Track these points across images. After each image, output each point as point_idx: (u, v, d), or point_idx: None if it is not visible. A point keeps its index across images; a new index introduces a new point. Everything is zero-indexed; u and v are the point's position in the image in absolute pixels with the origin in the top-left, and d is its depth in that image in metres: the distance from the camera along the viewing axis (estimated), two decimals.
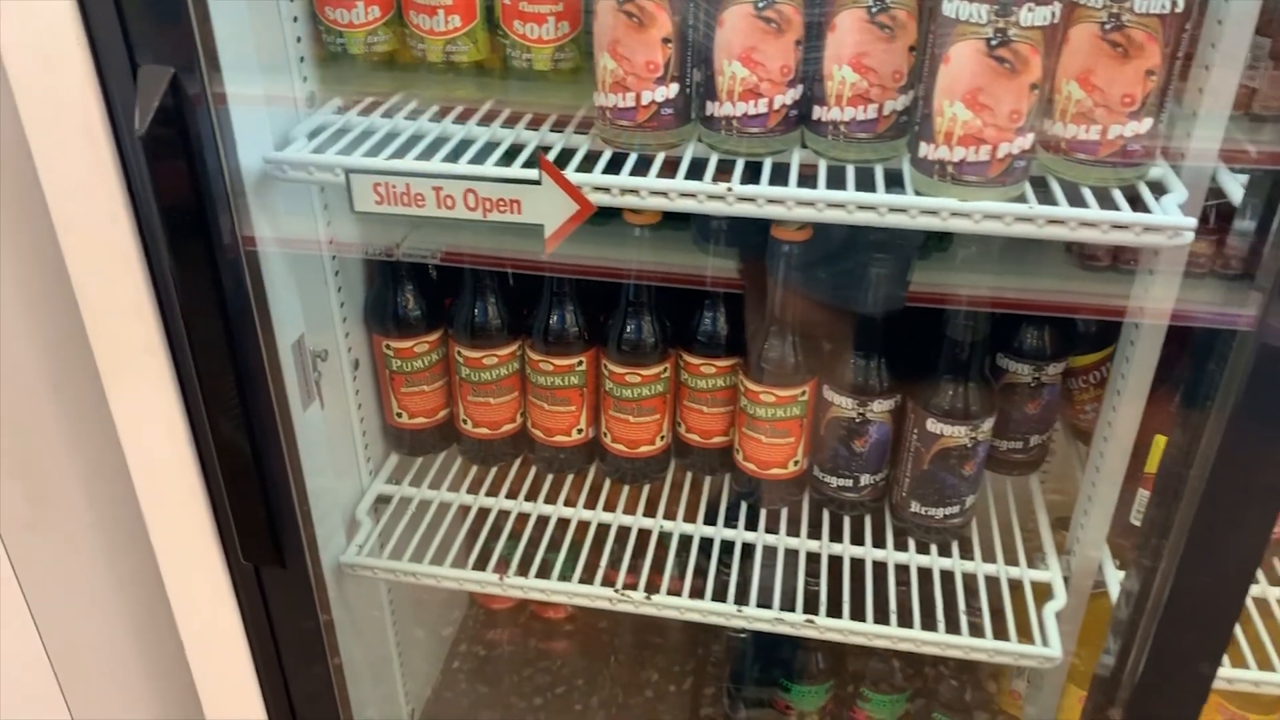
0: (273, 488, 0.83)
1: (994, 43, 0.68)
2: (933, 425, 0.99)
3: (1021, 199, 0.75)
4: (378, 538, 1.07)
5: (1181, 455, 0.74)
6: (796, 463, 1.07)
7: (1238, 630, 0.92)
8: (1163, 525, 0.76)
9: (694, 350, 1.06)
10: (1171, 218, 0.70)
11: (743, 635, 1.22)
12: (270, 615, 0.90)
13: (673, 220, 1.01)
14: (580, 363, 1.07)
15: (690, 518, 1.10)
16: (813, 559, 1.04)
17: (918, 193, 0.76)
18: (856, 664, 1.28)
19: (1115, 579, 1.01)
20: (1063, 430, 1.16)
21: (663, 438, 1.11)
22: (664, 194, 0.77)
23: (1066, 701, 1.24)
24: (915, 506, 1.04)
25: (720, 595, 0.99)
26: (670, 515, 1.10)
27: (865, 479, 1.06)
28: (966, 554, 1.04)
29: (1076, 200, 0.74)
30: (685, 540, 1.07)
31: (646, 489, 1.13)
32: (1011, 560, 1.04)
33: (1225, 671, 0.88)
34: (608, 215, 0.97)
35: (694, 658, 1.33)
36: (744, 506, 1.11)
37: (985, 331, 0.96)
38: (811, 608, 0.98)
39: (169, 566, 0.86)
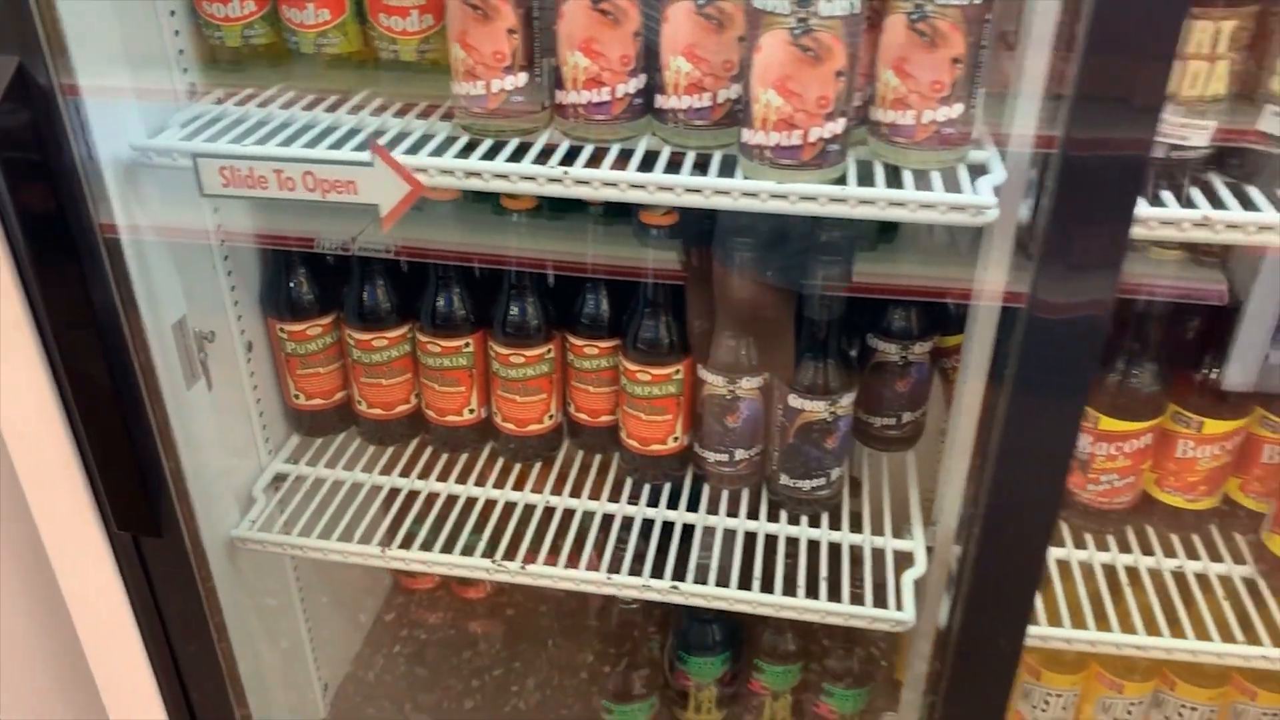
0: (147, 460, 0.87)
1: (797, 32, 0.72)
2: (794, 400, 1.03)
3: (841, 181, 0.79)
4: (281, 515, 1.11)
5: (985, 425, 0.78)
6: (676, 439, 1.12)
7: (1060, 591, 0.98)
8: (974, 492, 0.81)
9: (578, 332, 1.10)
10: (971, 196, 0.75)
11: (633, 606, 1.26)
12: (153, 586, 0.94)
13: (553, 206, 1.06)
14: (467, 344, 1.11)
15: (582, 494, 1.14)
16: (696, 531, 1.09)
17: (746, 177, 0.80)
18: (753, 636, 1.32)
19: None
20: (945, 407, 1.20)
21: (551, 417, 1.15)
22: (505, 176, 0.81)
23: None
24: (785, 479, 1.08)
25: (606, 567, 1.04)
26: (560, 491, 1.14)
27: (740, 454, 1.10)
28: (836, 525, 1.09)
29: (923, 185, 0.78)
30: (578, 515, 1.11)
31: (542, 466, 1.17)
32: (882, 531, 1.08)
33: (1039, 630, 0.93)
34: (483, 200, 1.02)
35: (596, 633, 1.37)
36: (629, 483, 1.15)
37: (841, 312, 1.01)
38: (680, 576, 1.02)
39: (49, 534, 0.90)
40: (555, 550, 1.06)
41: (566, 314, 1.10)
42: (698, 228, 1.01)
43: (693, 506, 1.12)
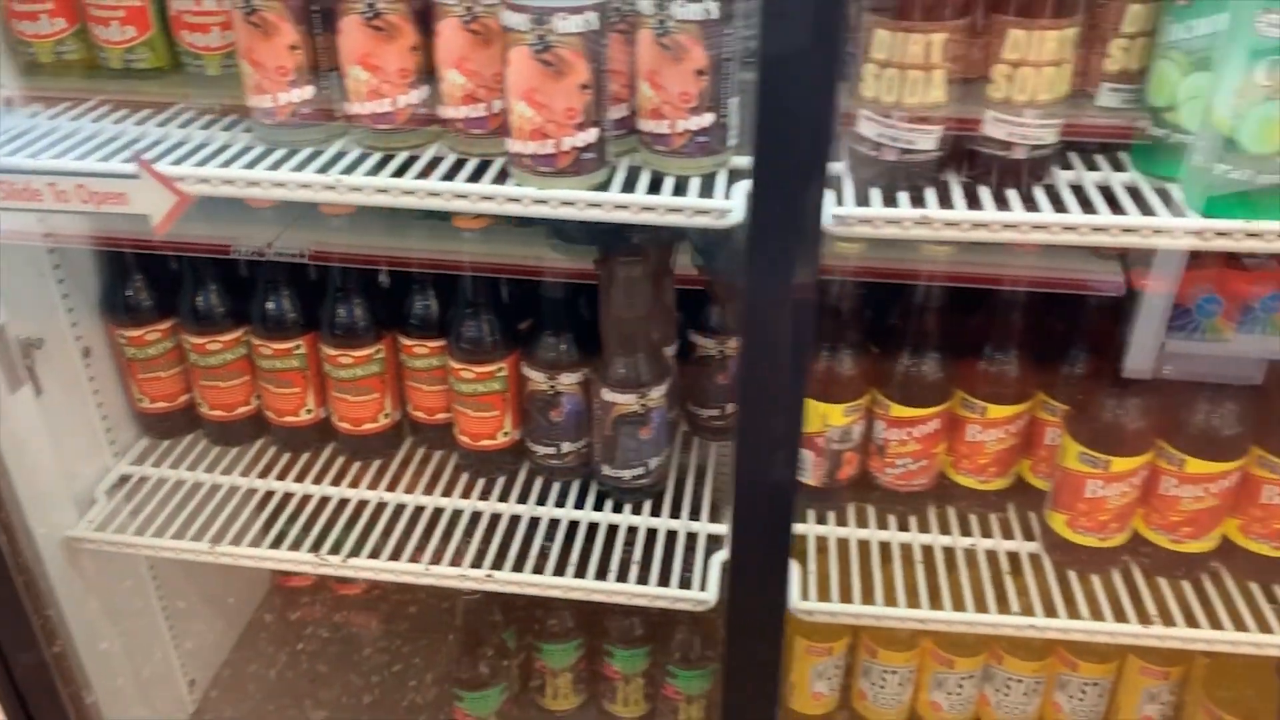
0: None
1: (538, 48, 0.77)
2: (607, 394, 1.08)
3: (604, 186, 0.84)
4: (122, 515, 1.14)
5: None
6: (506, 434, 1.16)
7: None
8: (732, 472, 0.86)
9: (408, 332, 1.14)
10: (712, 201, 0.80)
11: (475, 596, 1.31)
12: None
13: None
14: (299, 346, 1.15)
15: (416, 490, 1.18)
16: (533, 522, 1.13)
17: (516, 184, 0.85)
18: (605, 623, 1.37)
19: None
20: None
21: (386, 415, 1.19)
22: (283, 184, 0.85)
23: (795, 651, 1.35)
24: (606, 469, 1.13)
25: (428, 559, 1.08)
26: (395, 488, 1.18)
27: (566, 446, 1.15)
28: (657, 511, 1.14)
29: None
30: (409, 510, 1.15)
31: (382, 464, 1.21)
32: (699, 516, 1.13)
33: (806, 605, 0.99)
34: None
35: (458, 625, 1.41)
36: (464, 477, 1.19)
37: (647, 309, 1.06)
38: (499, 565, 1.07)
39: None
40: (392, 545, 1.10)
41: (397, 314, 1.14)
42: (509, 230, 1.06)
43: (524, 499, 1.16)
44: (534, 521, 1.13)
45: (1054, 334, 1.05)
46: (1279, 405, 0.97)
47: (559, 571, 1.06)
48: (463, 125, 0.88)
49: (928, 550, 1.10)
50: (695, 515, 1.13)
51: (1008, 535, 1.11)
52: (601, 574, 1.06)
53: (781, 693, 0.96)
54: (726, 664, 0.93)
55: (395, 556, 1.08)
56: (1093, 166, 0.88)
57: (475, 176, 0.86)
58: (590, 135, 0.81)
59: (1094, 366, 1.00)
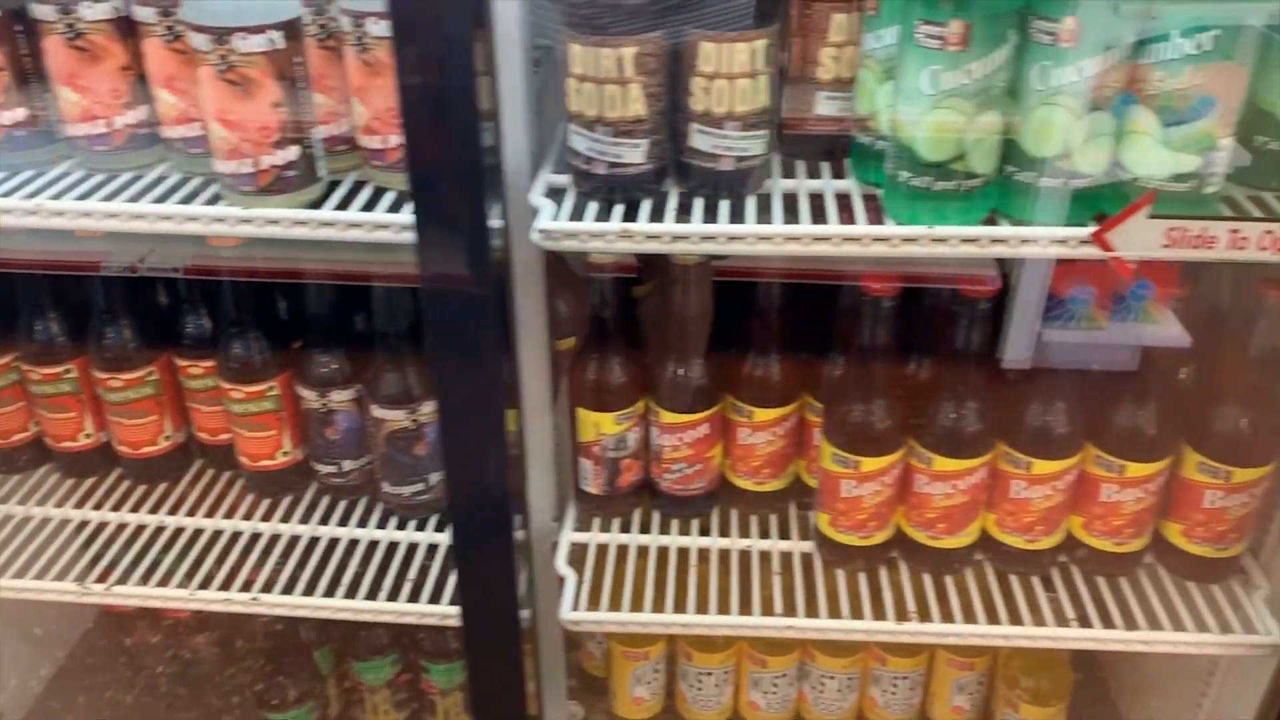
0: None
1: (221, 69, 0.76)
2: (377, 411, 1.07)
3: (317, 204, 0.83)
4: None
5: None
6: (286, 454, 1.15)
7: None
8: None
9: (182, 353, 1.12)
10: (387, 215, 0.80)
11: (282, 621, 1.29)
12: None
13: None
14: (69, 370, 1.12)
15: (198, 513, 1.16)
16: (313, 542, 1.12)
17: (227, 204, 0.84)
18: (421, 638, 1.36)
19: (568, 539, 1.11)
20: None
21: (167, 438, 1.17)
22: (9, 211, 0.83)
23: (613, 656, 1.36)
24: (387, 487, 1.12)
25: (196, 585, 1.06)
26: (177, 511, 1.16)
27: (348, 464, 1.14)
28: (442, 528, 1.13)
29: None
30: (187, 533, 1.13)
31: (168, 487, 1.19)
32: None
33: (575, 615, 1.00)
34: None
35: (272, 647, 1.39)
36: (250, 498, 1.17)
37: (411, 322, 1.05)
38: (269, 587, 1.06)
39: None
40: (164, 570, 1.08)
41: (170, 334, 1.12)
42: (275, 244, 1.04)
43: (307, 519, 1.15)
44: (314, 542, 1.12)
45: (816, 336, 1.06)
46: (1022, 403, 0.99)
47: (329, 593, 1.05)
48: (182, 145, 0.87)
49: (704, 554, 1.11)
50: None
51: (785, 536, 1.12)
52: (373, 594, 1.05)
53: (527, 705, 0.96)
54: (469, 679, 0.93)
55: (164, 582, 1.06)
56: (815, 174, 0.90)
57: (193, 197, 0.85)
58: (290, 153, 0.81)
59: (847, 368, 1.02)
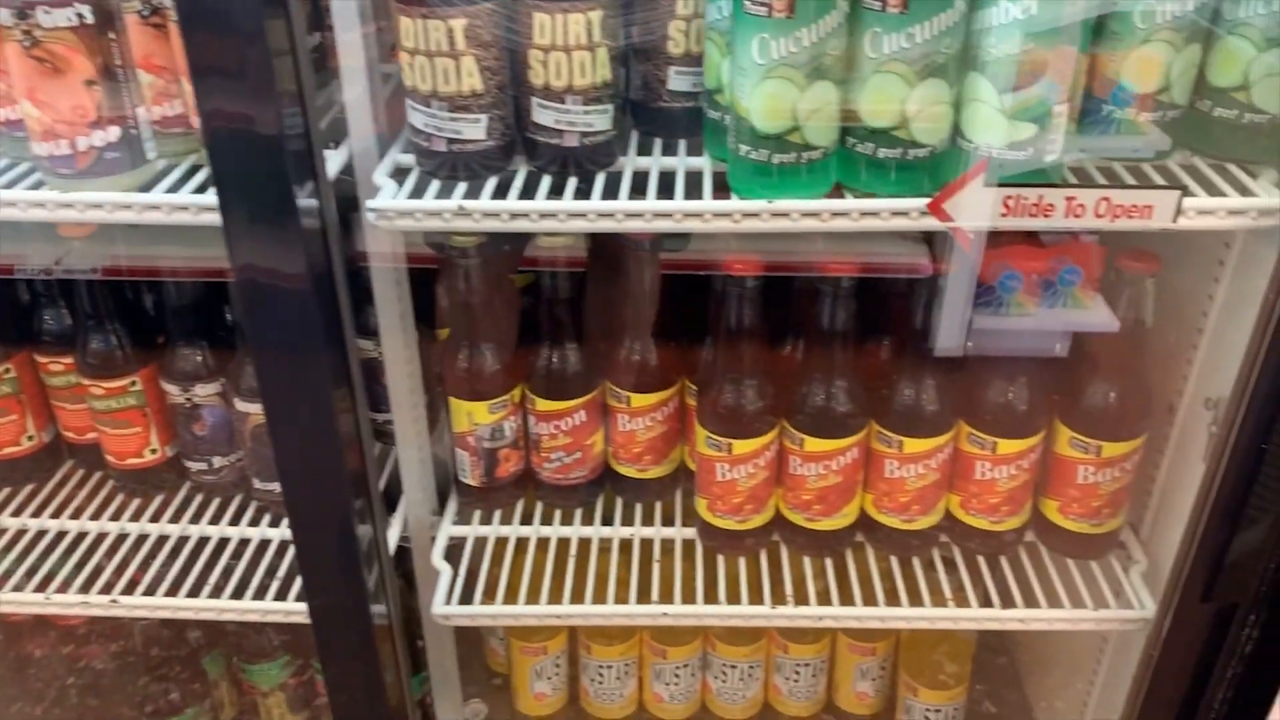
0: None
1: (27, 44, 0.73)
2: (241, 404, 1.04)
3: (148, 187, 0.80)
4: None
5: None
6: (155, 451, 1.11)
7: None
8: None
9: (41, 349, 1.08)
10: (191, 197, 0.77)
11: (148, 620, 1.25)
12: None
13: None
14: None
15: (63, 514, 1.12)
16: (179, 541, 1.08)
17: (54, 188, 0.80)
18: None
19: (446, 533, 1.09)
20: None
21: (31, 437, 1.13)
22: None
23: (512, 652, 1.33)
24: (257, 483, 1.09)
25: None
26: (41, 514, 1.12)
27: (219, 461, 1.11)
28: None
29: None
30: (51, 535, 1.09)
31: (34, 488, 1.15)
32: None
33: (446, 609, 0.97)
34: None
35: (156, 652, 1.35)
36: (120, 498, 1.14)
37: None
38: (131, 588, 1.02)
39: None
40: (20, 574, 1.04)
41: (29, 330, 1.08)
42: (117, 235, 1.00)
43: (177, 518, 1.11)
44: (182, 541, 1.08)
45: (694, 320, 1.04)
46: (892, 383, 0.98)
47: (194, 593, 1.02)
48: (6, 128, 0.83)
49: (587, 544, 1.09)
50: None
51: (669, 523, 1.10)
52: (239, 593, 1.02)
53: (389, 703, 0.93)
54: (325, 679, 0.91)
55: (19, 587, 1.02)
56: (672, 152, 0.88)
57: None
58: (111, 135, 0.77)
59: (718, 351, 1.00)
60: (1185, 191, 0.73)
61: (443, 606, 1.00)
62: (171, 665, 1.25)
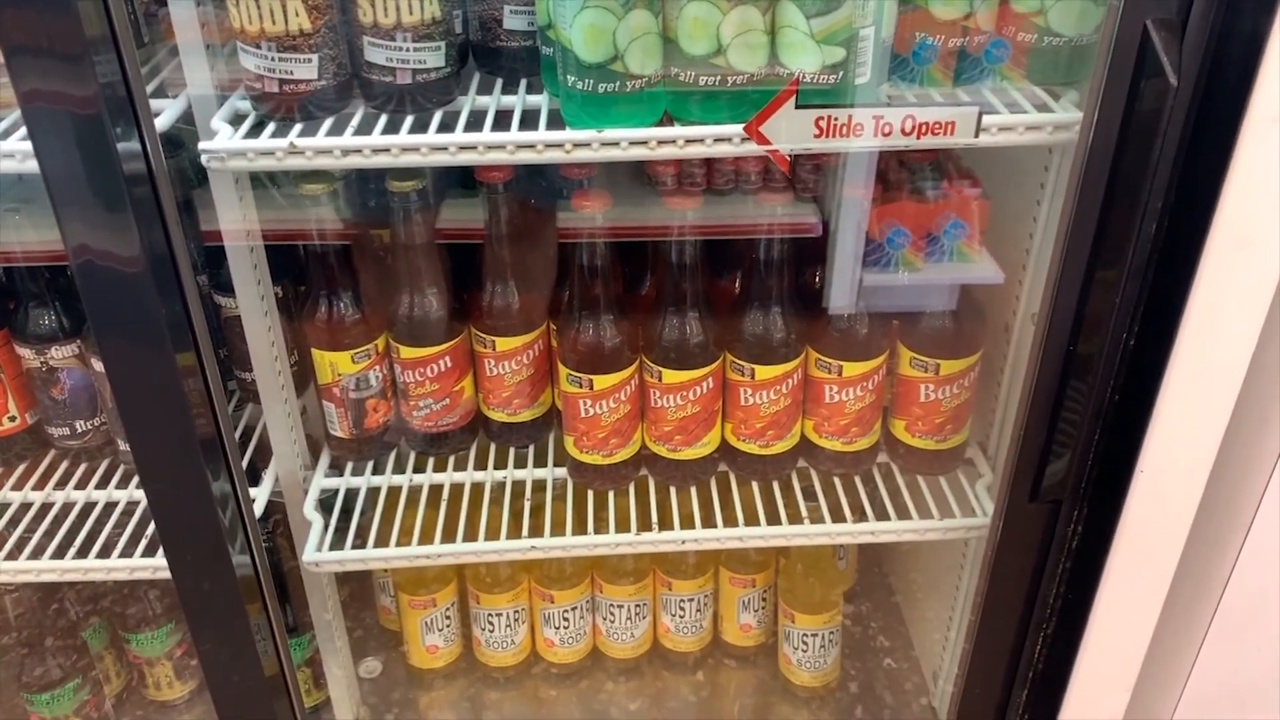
0: None
1: None
2: (98, 364, 1.03)
3: None
4: None
5: None
6: (14, 418, 1.09)
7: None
8: None
9: None
10: None
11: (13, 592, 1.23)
12: None
13: None
14: None
15: None
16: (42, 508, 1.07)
17: None
18: None
19: (318, 485, 1.09)
20: None
21: None
22: None
23: (401, 607, 1.35)
24: (121, 444, 1.08)
25: None
26: None
27: (81, 425, 1.09)
28: None
29: None
30: None
31: None
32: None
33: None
34: None
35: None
36: None
37: None
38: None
39: None
40: None
41: None
42: None
43: (42, 484, 1.10)
44: (46, 508, 1.07)
45: (556, 261, 1.07)
46: (743, 313, 1.01)
47: (58, 555, 1.01)
48: None
49: (459, 490, 1.10)
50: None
51: (541, 464, 1.13)
52: (105, 554, 1.01)
53: (261, 659, 0.94)
54: (194, 638, 0.91)
55: None
56: (513, 90, 0.89)
57: None
58: None
59: (579, 289, 1.02)
60: (984, 109, 0.77)
61: (314, 553, 1.01)
62: (49, 640, 1.23)
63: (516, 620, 1.36)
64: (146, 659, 1.32)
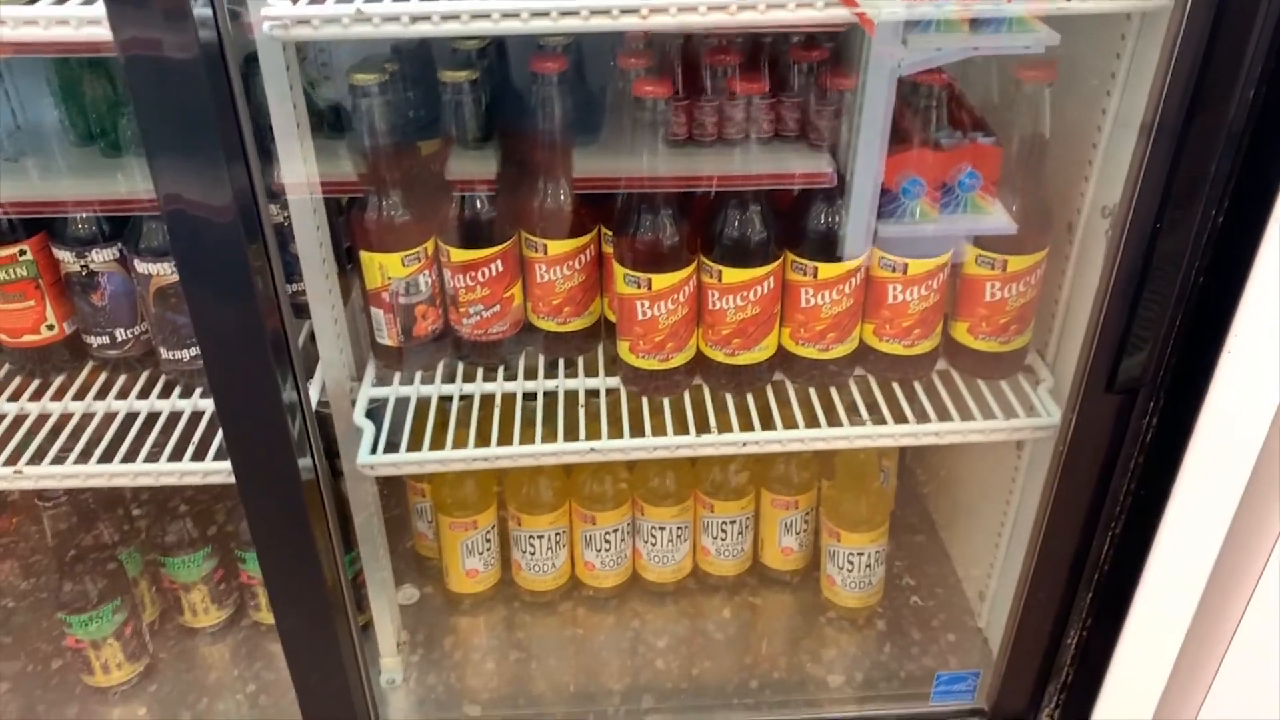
0: None
1: None
2: (141, 266, 1.00)
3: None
4: None
5: None
6: (52, 327, 1.06)
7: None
8: None
9: None
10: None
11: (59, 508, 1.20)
12: None
13: None
14: None
15: None
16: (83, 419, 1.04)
17: None
18: (231, 529, 1.30)
19: (366, 395, 1.07)
20: None
21: None
22: None
23: (441, 530, 1.33)
24: (165, 352, 1.05)
25: None
26: None
27: (122, 334, 1.06)
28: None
29: None
30: None
31: None
32: None
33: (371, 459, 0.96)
34: None
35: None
36: (17, 380, 1.09)
37: None
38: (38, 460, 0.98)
39: None
40: None
41: None
42: None
43: (82, 396, 1.07)
44: (87, 419, 1.04)
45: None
46: (805, 211, 0.99)
47: (105, 460, 0.99)
48: None
49: (510, 399, 1.08)
50: None
51: (591, 374, 1.11)
52: (153, 458, 0.98)
53: (321, 565, 0.92)
54: (256, 540, 0.89)
55: None
56: None
57: None
58: None
59: (634, 192, 0.99)
60: None
61: (368, 457, 0.99)
62: (87, 560, 1.21)
63: (557, 543, 1.35)
64: (182, 584, 1.30)
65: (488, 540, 1.34)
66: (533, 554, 1.34)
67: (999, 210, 0.97)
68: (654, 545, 1.35)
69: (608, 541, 1.34)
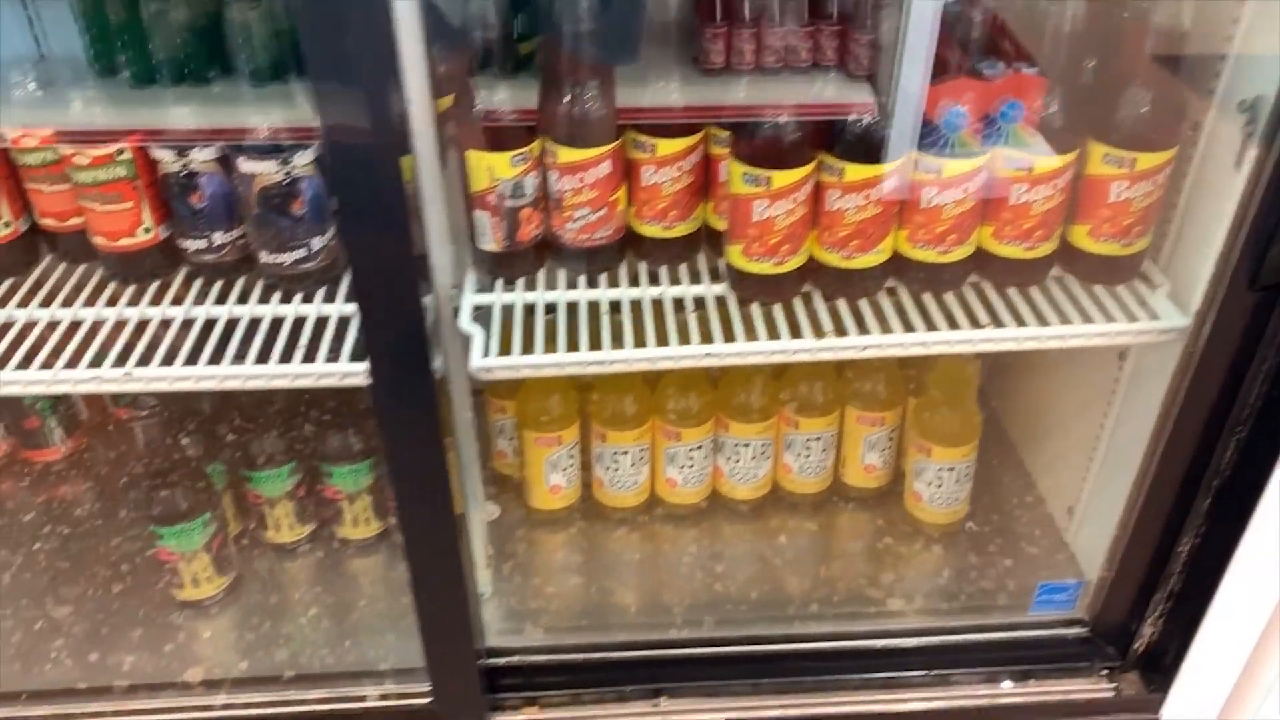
0: None
1: None
2: (245, 165, 0.97)
3: None
4: None
5: None
6: (148, 230, 1.04)
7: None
8: None
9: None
10: None
11: (150, 419, 1.19)
12: None
13: None
14: None
15: (53, 303, 1.05)
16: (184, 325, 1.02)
17: None
18: (317, 444, 1.28)
19: (470, 301, 1.05)
20: None
21: (7, 225, 1.04)
22: None
23: (526, 444, 1.31)
24: (265, 255, 1.03)
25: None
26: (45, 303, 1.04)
27: (219, 237, 1.04)
28: (331, 298, 1.05)
29: None
30: (51, 326, 1.02)
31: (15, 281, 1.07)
32: None
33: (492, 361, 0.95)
34: None
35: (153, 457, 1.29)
36: (111, 287, 1.07)
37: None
38: (145, 362, 0.96)
39: None
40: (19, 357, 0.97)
41: None
42: None
43: (179, 301, 1.05)
44: (188, 324, 1.02)
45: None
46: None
47: (214, 361, 0.97)
48: None
49: (615, 306, 1.06)
50: None
51: (695, 281, 1.08)
52: (240, 359, 0.97)
53: (447, 469, 0.91)
54: (385, 444, 0.88)
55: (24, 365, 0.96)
56: None
57: None
58: None
59: None
60: None
61: (481, 360, 0.97)
62: (176, 474, 1.19)
63: (641, 459, 1.34)
64: (268, 498, 1.30)
65: (571, 456, 1.34)
66: (617, 470, 1.34)
67: (1040, 142, 0.95)
68: (737, 463, 1.35)
69: (691, 458, 1.33)
